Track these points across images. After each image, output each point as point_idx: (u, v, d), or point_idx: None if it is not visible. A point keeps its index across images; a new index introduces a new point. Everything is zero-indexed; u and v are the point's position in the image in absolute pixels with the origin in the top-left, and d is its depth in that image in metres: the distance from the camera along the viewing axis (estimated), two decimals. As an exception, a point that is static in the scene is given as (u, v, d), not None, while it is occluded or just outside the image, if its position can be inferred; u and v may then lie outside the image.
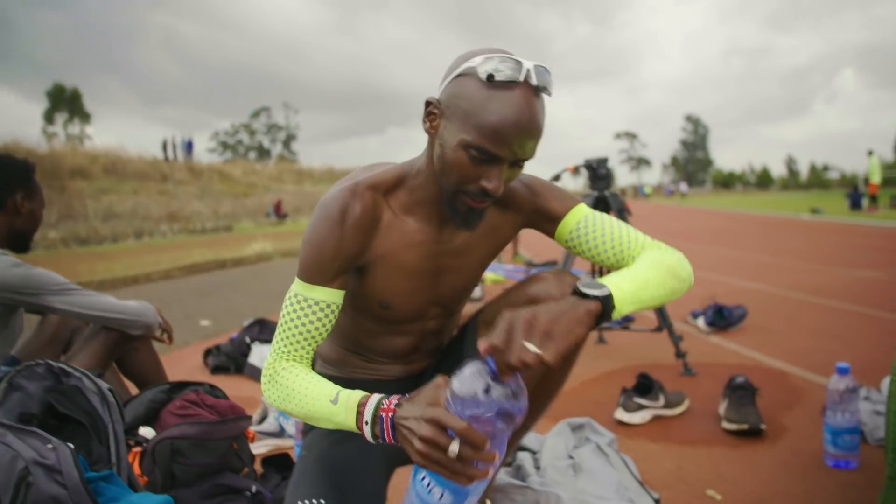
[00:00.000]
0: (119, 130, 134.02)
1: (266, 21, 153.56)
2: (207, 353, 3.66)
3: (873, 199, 18.48)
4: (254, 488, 1.69)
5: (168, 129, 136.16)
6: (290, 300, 1.23)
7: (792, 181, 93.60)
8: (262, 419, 2.36)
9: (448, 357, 1.43)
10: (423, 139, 1.25)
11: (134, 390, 2.32)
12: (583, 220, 1.33)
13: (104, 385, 1.44)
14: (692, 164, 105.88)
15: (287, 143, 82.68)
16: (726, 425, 2.33)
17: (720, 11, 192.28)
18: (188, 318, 5.46)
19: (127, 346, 2.26)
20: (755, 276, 6.55)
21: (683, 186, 53.32)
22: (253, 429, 2.30)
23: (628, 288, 1.12)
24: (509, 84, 1.10)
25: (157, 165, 29.10)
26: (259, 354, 3.37)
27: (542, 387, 1.36)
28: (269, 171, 40.09)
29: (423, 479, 1.12)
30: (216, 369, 3.50)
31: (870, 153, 18.34)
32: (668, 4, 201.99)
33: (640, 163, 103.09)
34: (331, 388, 1.15)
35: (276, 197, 31.21)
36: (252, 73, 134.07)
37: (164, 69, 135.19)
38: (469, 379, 1.04)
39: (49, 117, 63.81)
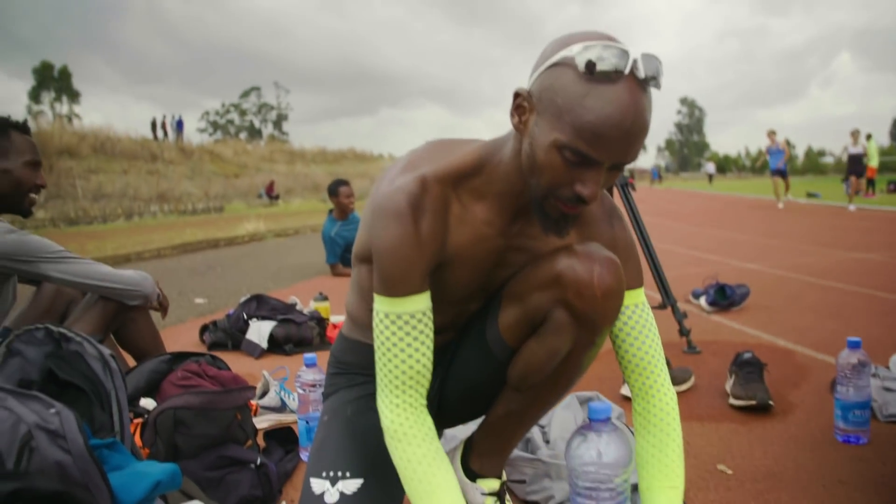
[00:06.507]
0: (106, 109, 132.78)
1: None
2: (204, 329, 3.61)
3: (870, 182, 18.44)
4: (258, 460, 1.66)
5: (156, 109, 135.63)
6: (380, 324, 1.13)
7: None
8: (264, 394, 2.32)
9: (470, 329, 1.38)
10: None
11: (132, 363, 2.27)
12: (634, 307, 1.27)
13: (106, 350, 1.39)
14: (688, 147, 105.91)
15: (278, 123, 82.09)
16: (734, 401, 2.30)
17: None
18: (182, 295, 5.40)
19: (124, 317, 2.21)
20: (755, 257, 6.53)
21: (710, 167, 47.96)
22: (255, 402, 2.26)
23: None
24: (612, 76, 0.97)
25: (147, 145, 28.93)
26: (256, 330, 3.33)
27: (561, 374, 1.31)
28: (261, 151, 39.84)
29: None
30: (213, 346, 3.45)
31: (868, 137, 18.29)
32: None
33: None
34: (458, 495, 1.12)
35: (268, 177, 31.05)
36: (238, 52, 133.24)
37: (149, 47, 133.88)
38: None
39: (35, 96, 63.09)
